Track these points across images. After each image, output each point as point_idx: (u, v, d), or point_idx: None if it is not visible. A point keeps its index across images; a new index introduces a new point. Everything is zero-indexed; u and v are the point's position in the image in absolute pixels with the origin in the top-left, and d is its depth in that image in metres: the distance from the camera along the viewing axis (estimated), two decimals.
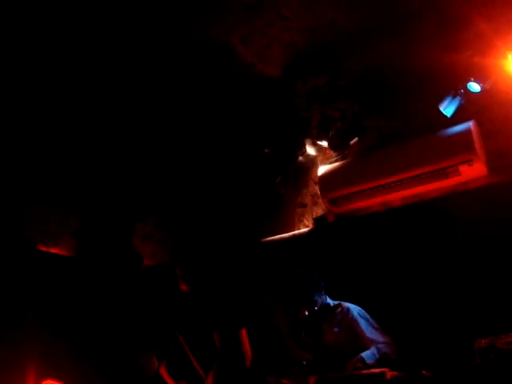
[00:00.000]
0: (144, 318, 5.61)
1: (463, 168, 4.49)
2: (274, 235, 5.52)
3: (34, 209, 5.46)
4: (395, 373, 3.65)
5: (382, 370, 3.69)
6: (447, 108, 4.47)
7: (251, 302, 3.21)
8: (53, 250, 5.68)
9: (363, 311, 4.34)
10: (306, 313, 4.35)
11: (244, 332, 3.03)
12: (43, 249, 5.57)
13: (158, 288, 5.81)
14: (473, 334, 3.64)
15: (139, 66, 4.96)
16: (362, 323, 4.22)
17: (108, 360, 5.48)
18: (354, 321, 4.23)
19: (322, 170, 5.21)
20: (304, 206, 5.54)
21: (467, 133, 4.48)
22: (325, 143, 5.23)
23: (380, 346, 4.10)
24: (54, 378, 4.83)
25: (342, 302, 4.39)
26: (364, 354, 4.00)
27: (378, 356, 4.01)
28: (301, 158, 5.47)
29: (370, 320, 4.29)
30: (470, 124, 4.51)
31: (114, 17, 4.44)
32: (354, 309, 4.32)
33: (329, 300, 4.43)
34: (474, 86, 4.42)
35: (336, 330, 4.29)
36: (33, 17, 4.26)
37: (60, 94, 4.96)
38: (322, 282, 4.42)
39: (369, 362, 3.93)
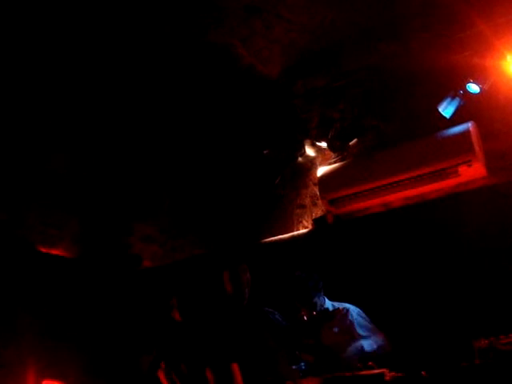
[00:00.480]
0: (143, 319, 5.61)
1: (462, 169, 4.50)
2: (273, 236, 5.52)
3: (34, 210, 5.46)
4: (394, 373, 3.64)
5: (382, 370, 3.68)
6: (446, 109, 4.48)
7: (243, 334, 3.21)
8: (53, 252, 5.69)
9: (362, 312, 4.34)
10: (305, 317, 4.35)
11: (236, 366, 3.03)
12: (43, 250, 5.58)
13: (156, 289, 5.81)
14: (472, 334, 3.64)
15: (141, 66, 4.96)
16: (361, 324, 4.23)
17: (107, 361, 5.48)
18: (353, 322, 4.24)
19: (321, 170, 5.21)
20: (303, 206, 5.54)
21: (466, 134, 4.49)
22: (324, 144, 5.24)
23: (377, 339, 4.12)
24: (53, 378, 4.85)
25: (342, 303, 4.40)
26: (363, 342, 4.02)
27: (375, 346, 4.03)
28: (300, 158, 5.49)
29: (368, 321, 4.30)
30: (469, 125, 4.51)
31: (116, 18, 4.45)
32: (353, 310, 4.33)
33: (328, 301, 4.43)
34: (473, 87, 4.43)
35: (336, 330, 4.29)
36: (39, 18, 4.26)
37: (61, 95, 4.95)
38: (321, 283, 4.42)
39: (368, 349, 3.96)
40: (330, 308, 4.40)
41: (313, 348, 4.30)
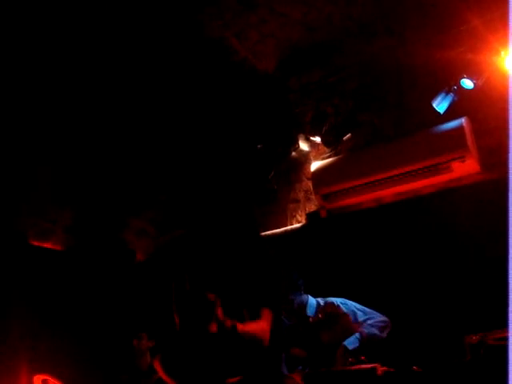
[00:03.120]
0: (137, 312, 5.61)
1: (456, 164, 4.51)
2: (267, 231, 5.52)
3: (27, 203, 5.44)
4: (386, 368, 3.66)
5: (374, 365, 3.70)
6: (440, 104, 4.48)
7: None
8: (45, 245, 5.66)
9: (345, 300, 4.34)
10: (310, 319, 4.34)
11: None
12: (35, 243, 5.55)
13: (150, 283, 5.81)
14: (463, 330, 3.65)
15: (134, 61, 4.95)
16: (350, 314, 4.24)
17: (100, 354, 5.47)
18: (342, 313, 4.25)
19: (314, 165, 5.21)
20: (297, 201, 5.54)
21: (460, 129, 4.49)
22: (318, 139, 5.24)
23: (364, 327, 4.12)
24: (45, 372, 4.84)
25: (325, 299, 4.40)
26: (346, 342, 4.02)
27: (360, 339, 4.03)
28: (294, 153, 5.48)
29: (358, 307, 4.30)
30: (463, 120, 4.52)
31: (112, 14, 4.43)
32: (337, 301, 4.33)
33: (311, 298, 4.41)
34: (467, 83, 4.43)
35: (326, 325, 4.30)
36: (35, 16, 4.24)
37: (55, 87, 4.93)
38: (301, 280, 4.40)
39: (351, 347, 3.96)
40: (315, 304, 4.39)
41: (306, 343, 4.31)
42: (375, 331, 4.12)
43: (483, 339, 3.37)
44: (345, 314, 4.26)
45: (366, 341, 4.08)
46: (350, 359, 3.92)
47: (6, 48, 4.36)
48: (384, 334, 4.11)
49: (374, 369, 3.63)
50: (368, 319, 4.21)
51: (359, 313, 4.28)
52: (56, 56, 4.64)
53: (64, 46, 4.56)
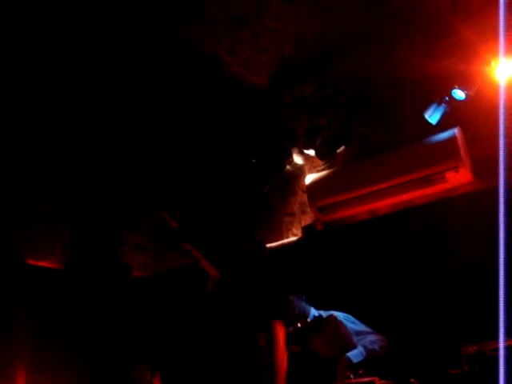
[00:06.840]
0: (135, 329, 5.60)
1: (449, 175, 4.52)
2: None
3: (21, 222, 5.44)
4: (384, 381, 3.65)
5: (372, 378, 3.69)
6: (432, 115, 4.50)
7: None
8: (42, 264, 5.66)
9: (348, 315, 4.34)
10: (299, 324, 4.34)
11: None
12: (32, 262, 5.55)
13: (148, 299, 5.81)
14: (461, 341, 3.65)
15: (126, 79, 4.96)
16: (349, 327, 4.23)
17: (99, 372, 5.46)
18: (341, 327, 4.23)
19: (309, 178, 5.22)
20: (292, 214, 5.54)
21: (452, 140, 4.51)
22: (312, 152, 5.25)
23: (366, 343, 4.11)
24: None
25: (328, 311, 4.39)
26: (350, 354, 4.01)
27: (365, 353, 4.02)
28: (288, 167, 5.49)
29: (357, 322, 4.30)
30: (455, 131, 4.53)
31: (112, 27, 4.46)
32: (340, 315, 4.32)
33: (313, 310, 4.41)
34: (459, 93, 4.45)
35: (324, 338, 4.28)
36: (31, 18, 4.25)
37: (50, 100, 4.94)
38: (301, 285, 4.41)
39: (356, 360, 3.94)
40: (318, 316, 4.39)
41: (302, 356, 4.29)
42: (376, 347, 4.12)
43: (480, 350, 3.37)
44: (343, 324, 4.25)
45: (368, 356, 4.07)
46: (348, 373, 3.90)
47: (7, 48, 4.38)
48: (383, 353, 4.11)
49: (372, 382, 3.63)
50: (369, 336, 4.21)
51: (361, 328, 4.28)
52: (51, 63, 4.64)
53: (59, 52, 4.57)
